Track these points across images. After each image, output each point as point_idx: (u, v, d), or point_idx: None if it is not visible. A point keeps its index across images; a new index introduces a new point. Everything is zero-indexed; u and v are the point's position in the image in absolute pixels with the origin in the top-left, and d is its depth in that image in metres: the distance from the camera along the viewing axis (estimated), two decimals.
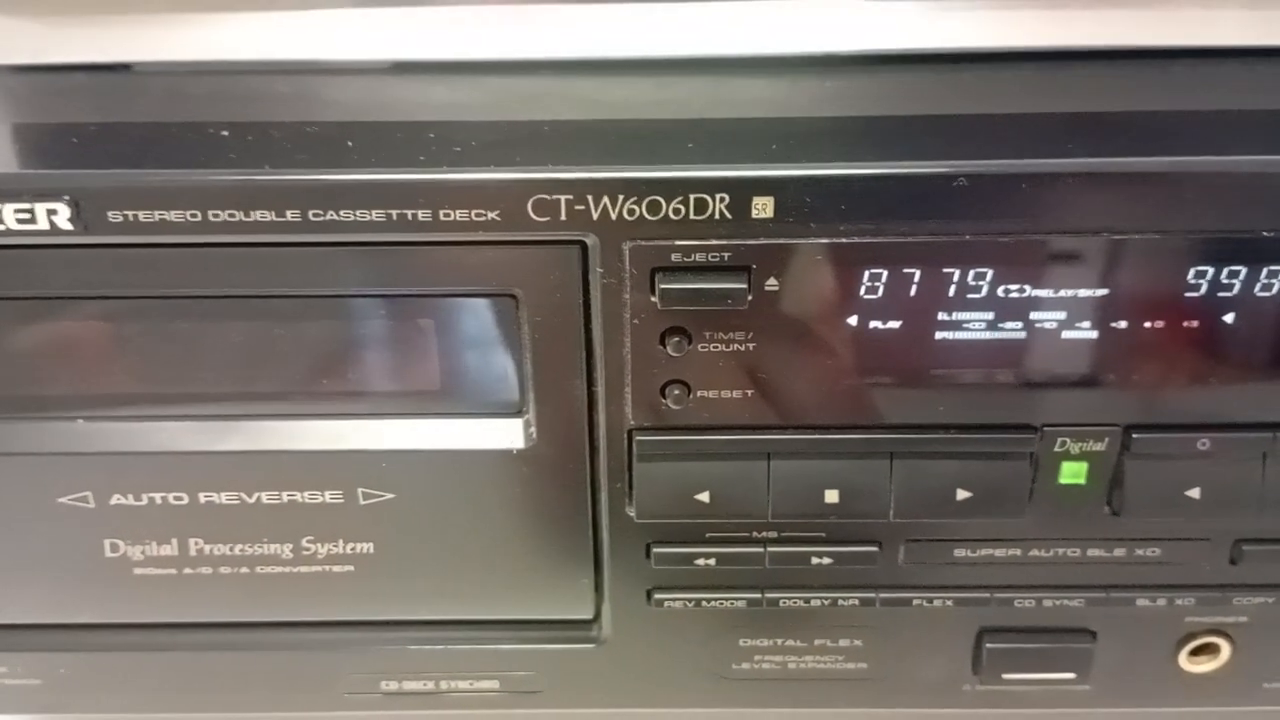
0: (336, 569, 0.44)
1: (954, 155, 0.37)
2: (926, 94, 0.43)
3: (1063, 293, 0.39)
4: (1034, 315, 0.39)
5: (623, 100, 0.42)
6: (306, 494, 0.42)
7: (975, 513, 0.42)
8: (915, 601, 0.45)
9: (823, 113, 0.41)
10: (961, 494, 0.41)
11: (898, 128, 0.40)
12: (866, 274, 0.38)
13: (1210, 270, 0.38)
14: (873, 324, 0.39)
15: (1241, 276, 0.39)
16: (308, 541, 0.43)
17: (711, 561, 0.43)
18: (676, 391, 0.39)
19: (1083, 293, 0.39)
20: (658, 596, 0.45)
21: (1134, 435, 0.40)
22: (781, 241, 0.37)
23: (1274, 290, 0.39)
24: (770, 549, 0.43)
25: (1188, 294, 0.39)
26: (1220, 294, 0.39)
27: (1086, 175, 0.36)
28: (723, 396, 0.40)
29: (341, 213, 0.37)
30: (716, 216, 0.36)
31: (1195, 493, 0.41)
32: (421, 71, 0.45)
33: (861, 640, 0.46)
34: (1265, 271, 0.39)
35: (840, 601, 0.45)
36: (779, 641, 0.46)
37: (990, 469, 0.41)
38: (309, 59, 0.45)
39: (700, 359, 0.39)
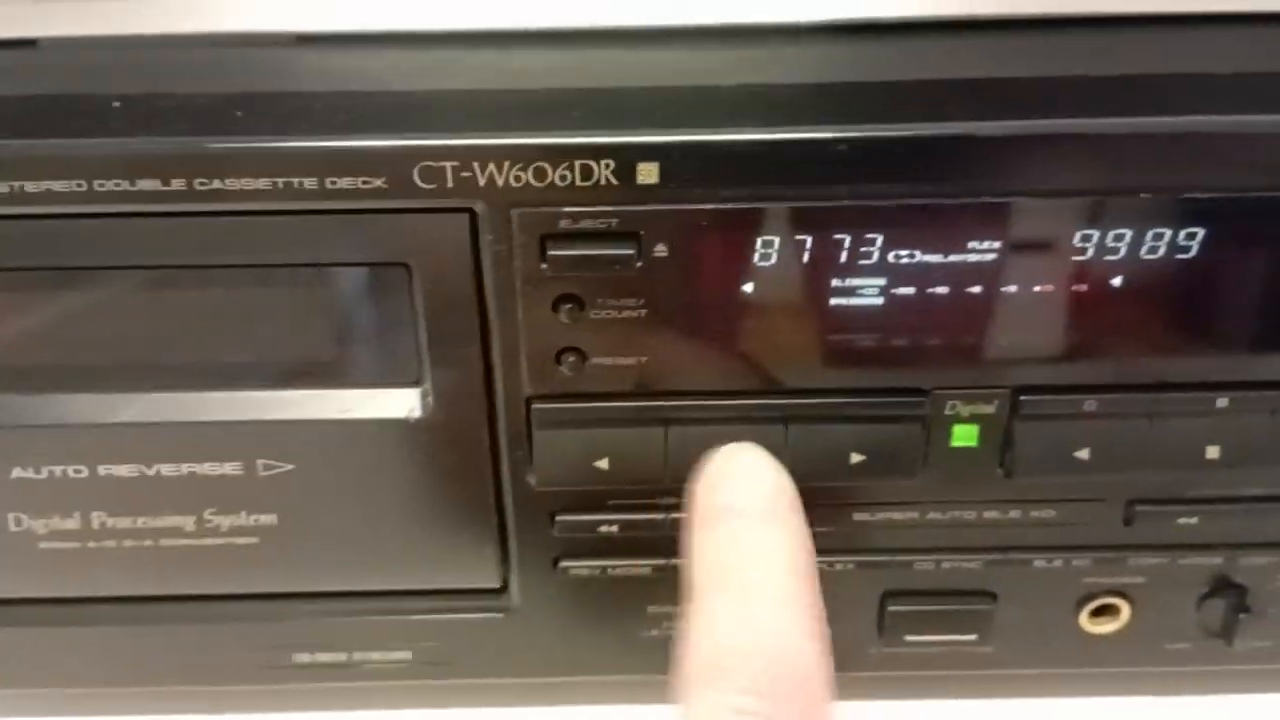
0: (240, 541, 0.44)
1: (843, 120, 0.37)
2: (835, 62, 0.43)
3: (952, 257, 0.39)
4: (923, 280, 0.39)
5: (521, 70, 0.42)
6: (206, 466, 0.42)
7: (869, 476, 0.42)
8: (818, 565, 0.45)
9: (720, 81, 0.41)
10: (855, 458, 0.42)
11: (795, 95, 0.41)
12: (755, 240, 0.38)
13: (1096, 233, 0.39)
14: (763, 290, 0.39)
15: (1127, 239, 0.39)
16: (210, 514, 0.44)
17: (614, 529, 0.44)
18: (572, 359, 0.40)
19: (971, 257, 0.39)
20: (563, 565, 0.45)
21: (1022, 397, 0.41)
22: (668, 207, 0.37)
23: (1160, 253, 0.39)
24: (672, 515, 0.44)
25: (1074, 257, 0.39)
26: (1107, 257, 0.39)
27: (968, 139, 0.37)
28: (618, 363, 0.40)
29: (228, 181, 0.36)
30: (603, 183, 0.37)
31: (1084, 454, 0.42)
32: (324, 44, 0.45)
33: None
34: (1151, 234, 0.39)
35: None
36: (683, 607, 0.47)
37: (883, 432, 0.42)
38: (212, 31, 0.45)
39: (594, 326, 0.39)
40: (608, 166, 0.36)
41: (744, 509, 0.37)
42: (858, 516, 0.44)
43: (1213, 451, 0.42)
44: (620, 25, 0.44)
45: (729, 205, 0.37)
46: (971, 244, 0.39)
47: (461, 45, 0.45)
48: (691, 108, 0.39)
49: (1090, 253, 0.39)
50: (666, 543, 0.44)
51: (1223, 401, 0.41)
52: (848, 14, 0.43)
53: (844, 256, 0.39)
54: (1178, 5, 0.43)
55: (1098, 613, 0.48)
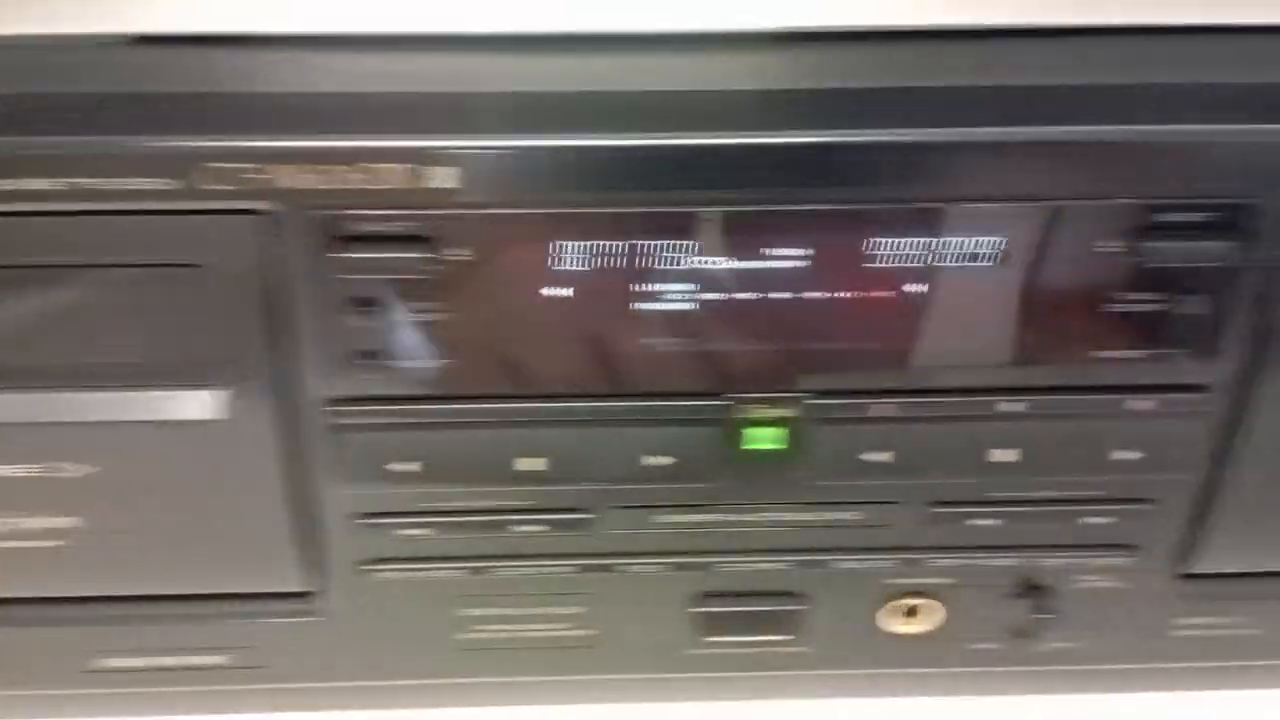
0: (47, 544, 0.44)
1: (641, 128, 0.38)
2: (651, 71, 0.43)
3: (750, 264, 0.40)
4: (720, 285, 0.40)
5: (339, 70, 0.42)
6: (7, 468, 0.42)
7: (673, 478, 0.43)
8: (629, 568, 0.46)
9: (525, 88, 0.41)
10: (660, 460, 0.42)
11: (604, 101, 0.41)
12: (551, 245, 0.39)
13: (886, 241, 0.40)
14: (562, 294, 0.40)
15: (921, 247, 0.40)
16: (13, 516, 0.43)
17: (421, 531, 0.44)
18: (370, 362, 0.40)
19: (770, 263, 0.40)
20: (371, 568, 0.45)
21: (819, 401, 0.42)
22: (463, 212, 0.37)
23: (955, 260, 0.40)
24: (478, 518, 0.44)
25: (866, 264, 0.40)
26: (902, 264, 0.40)
27: (752, 147, 0.37)
28: (417, 367, 0.40)
29: (24, 181, 0.36)
30: (397, 187, 0.37)
31: (881, 456, 0.43)
32: (158, 44, 0.44)
33: (584, 607, 0.47)
34: (944, 243, 0.40)
35: (554, 569, 0.46)
36: (500, 611, 0.47)
37: (685, 435, 0.43)
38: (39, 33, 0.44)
39: (392, 329, 0.39)
40: (403, 170, 0.36)
41: None
42: (664, 519, 0.45)
43: (1001, 455, 0.43)
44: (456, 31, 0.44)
45: (528, 210, 0.37)
46: (768, 251, 0.40)
47: (279, 48, 0.44)
48: (497, 111, 0.39)
49: (884, 259, 0.40)
50: (473, 545, 0.45)
51: (1009, 406, 0.42)
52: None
53: (644, 263, 0.40)
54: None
55: (907, 613, 0.49)
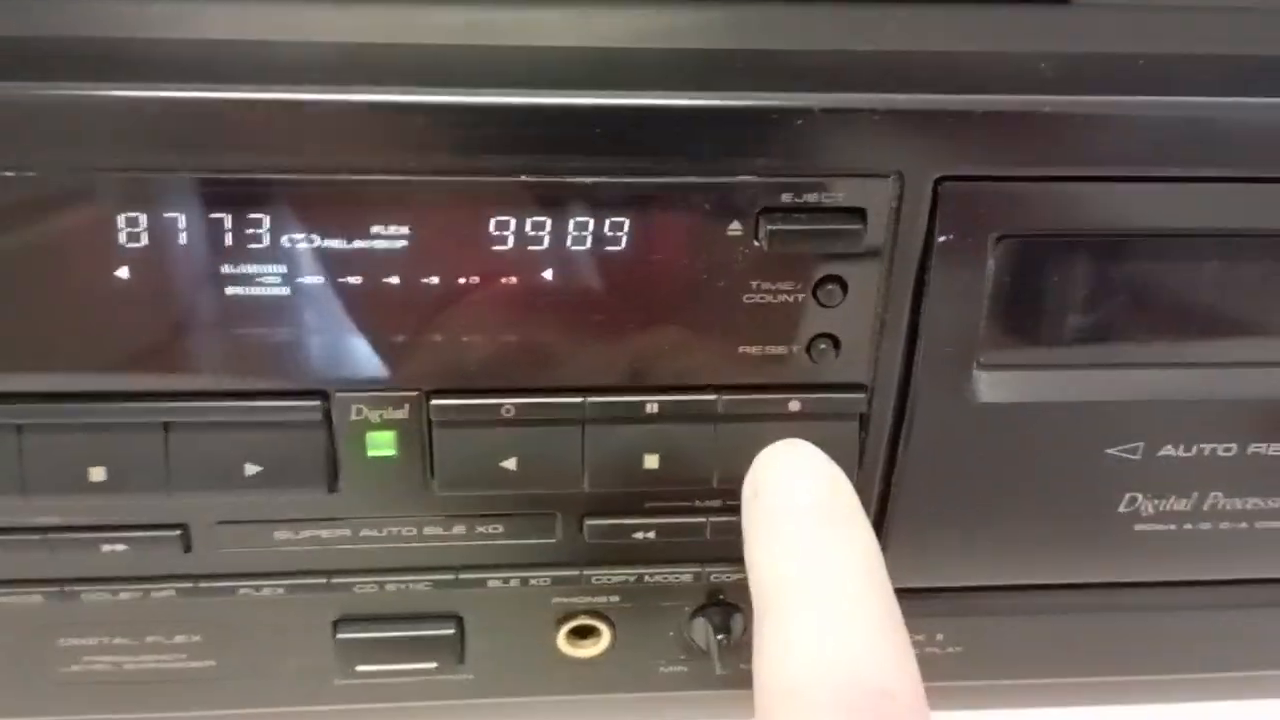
0: None
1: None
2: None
3: (355, 244, 0.35)
4: (319, 267, 0.35)
5: None
6: None
7: (270, 487, 0.37)
8: (242, 590, 0.40)
9: None
10: (251, 468, 0.37)
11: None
12: (89, 215, 0.33)
13: (513, 220, 0.35)
14: (116, 275, 0.34)
15: (548, 228, 0.35)
16: None
17: None
18: None
19: (377, 244, 0.35)
20: None
21: (434, 401, 0.37)
22: None
23: (586, 244, 0.35)
24: (51, 535, 0.38)
25: (494, 246, 0.35)
26: (530, 247, 0.35)
27: (353, 105, 0.32)
28: None
29: None
30: None
31: (511, 463, 0.38)
32: None
33: (200, 635, 0.41)
34: (573, 224, 0.35)
35: (153, 593, 0.40)
36: (105, 640, 0.41)
37: (279, 440, 0.37)
38: None
39: None
40: None
41: (802, 512, 0.32)
42: (280, 535, 0.39)
43: (650, 461, 0.38)
44: None
45: (39, 174, 0.32)
46: (376, 229, 0.35)
47: None
48: None
49: (510, 241, 0.35)
50: (53, 565, 0.39)
51: (652, 406, 0.37)
52: None
53: (226, 238, 0.34)
54: None
55: (577, 634, 0.44)
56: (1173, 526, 0.42)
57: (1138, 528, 0.42)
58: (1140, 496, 0.41)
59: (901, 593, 0.41)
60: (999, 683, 0.47)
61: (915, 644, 0.43)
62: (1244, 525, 0.42)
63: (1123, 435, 0.39)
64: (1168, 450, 0.40)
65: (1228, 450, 0.40)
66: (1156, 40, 0.38)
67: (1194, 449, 0.40)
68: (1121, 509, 0.41)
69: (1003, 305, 0.36)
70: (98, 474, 0.36)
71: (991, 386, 0.38)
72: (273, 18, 0.36)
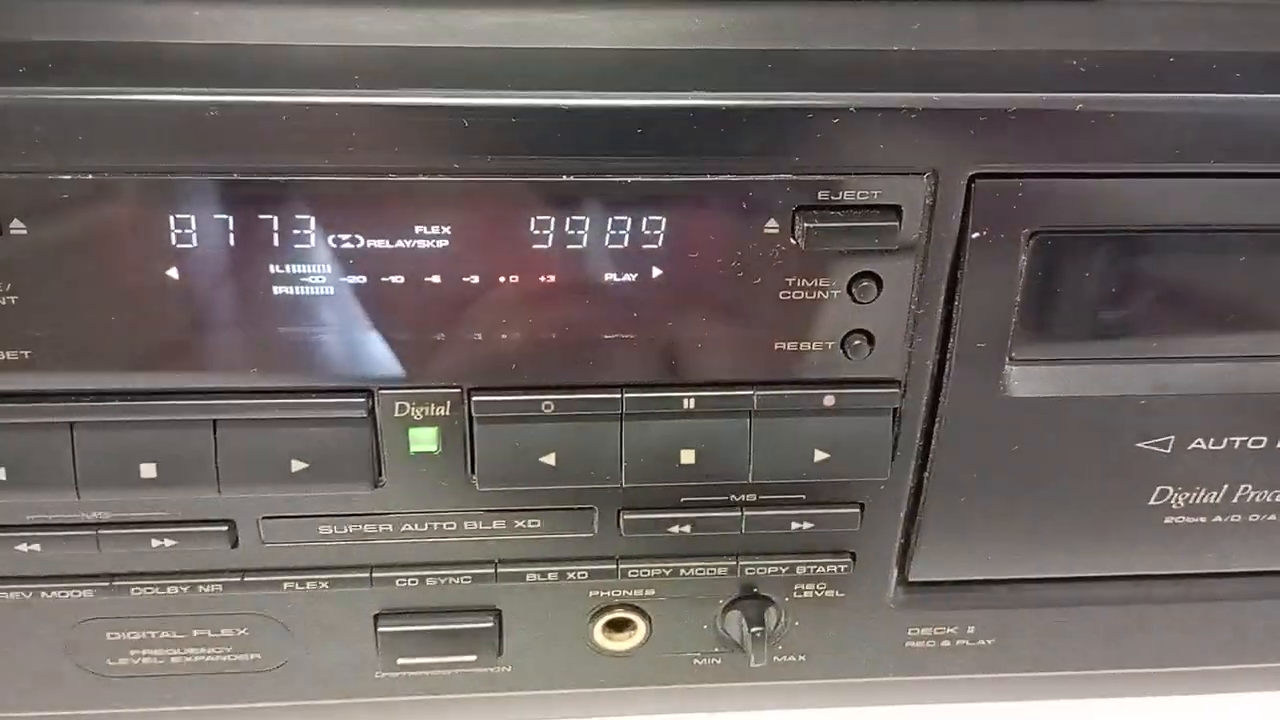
0: None
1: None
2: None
3: (399, 243, 0.35)
4: (364, 267, 0.35)
5: None
6: None
7: (315, 483, 0.38)
8: (286, 584, 0.41)
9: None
10: (297, 464, 0.38)
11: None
12: (141, 217, 0.34)
13: (553, 219, 0.36)
14: (168, 274, 0.35)
15: (588, 226, 0.36)
16: None
17: (36, 547, 0.39)
18: None
19: (420, 243, 0.35)
20: None
21: (475, 397, 0.37)
22: (18, 177, 0.32)
23: (625, 242, 0.36)
24: (102, 532, 0.39)
25: (534, 245, 0.36)
26: (570, 245, 0.36)
27: (398, 108, 0.33)
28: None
29: None
30: None
31: (550, 458, 0.38)
32: None
33: (245, 628, 0.42)
34: (612, 222, 0.36)
35: (200, 587, 0.40)
36: (153, 634, 0.42)
37: (325, 436, 0.38)
38: None
39: None
40: None
41: None
42: (324, 530, 0.40)
43: (687, 455, 0.39)
44: None
45: (83, 177, 0.32)
46: (419, 229, 0.35)
47: None
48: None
49: (548, 241, 0.36)
50: (102, 561, 0.40)
51: (689, 401, 0.38)
52: None
53: (272, 239, 0.35)
54: None
55: (613, 627, 0.44)
56: (1203, 519, 0.42)
57: (1168, 520, 0.42)
58: (1171, 489, 0.41)
59: (933, 585, 0.42)
60: (1029, 675, 0.47)
61: (947, 636, 0.44)
62: (1274, 517, 0.42)
63: (1153, 429, 0.40)
64: (1198, 443, 0.40)
65: (1258, 443, 0.40)
66: (1184, 36, 0.38)
67: (1224, 442, 0.40)
68: (1152, 502, 0.41)
69: (1035, 300, 0.37)
70: (149, 470, 0.37)
71: (1024, 381, 0.38)
72: (315, 22, 0.36)
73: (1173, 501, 0.41)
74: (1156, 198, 0.36)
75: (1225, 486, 0.41)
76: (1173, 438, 0.40)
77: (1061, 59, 0.36)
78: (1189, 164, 0.35)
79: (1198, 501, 0.42)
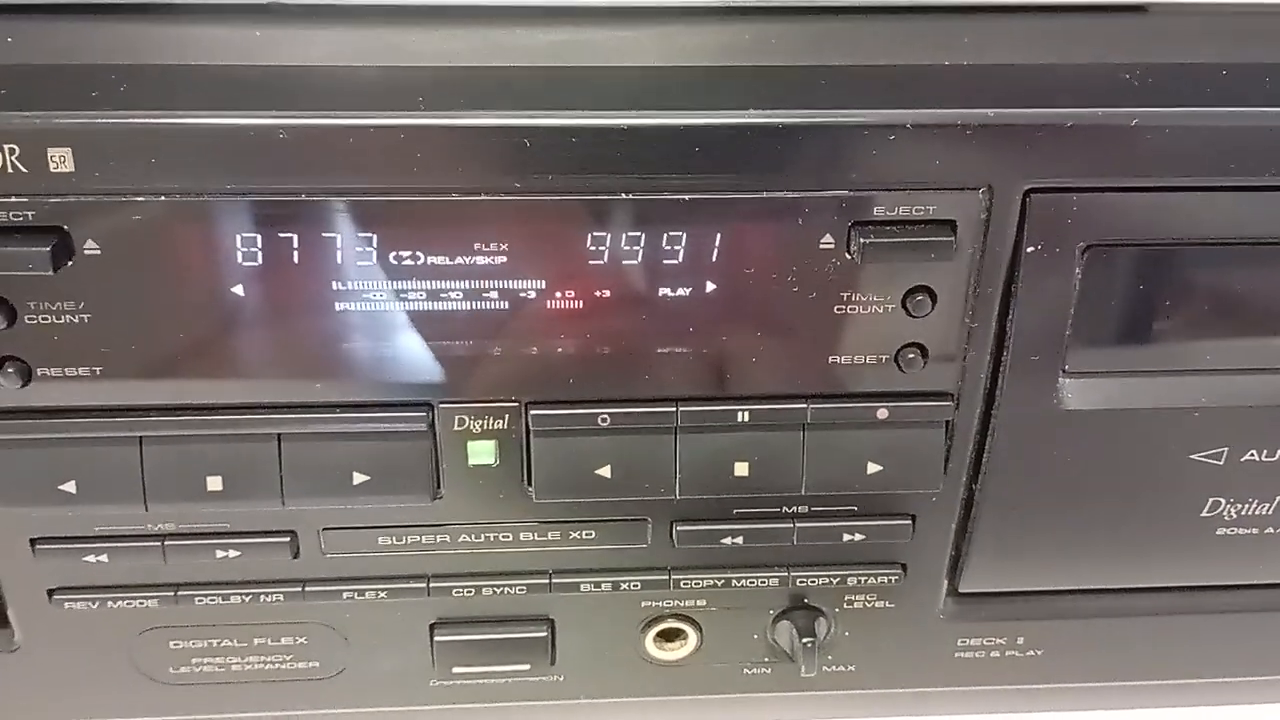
0: None
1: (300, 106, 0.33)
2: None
3: (458, 260, 0.36)
4: (424, 284, 0.36)
5: None
6: None
7: (376, 495, 0.39)
8: (345, 594, 0.42)
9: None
10: (359, 476, 0.38)
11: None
12: (209, 235, 0.34)
13: (609, 236, 0.36)
14: (233, 291, 0.35)
15: (643, 242, 0.36)
16: None
17: (104, 558, 0.39)
18: (11, 370, 0.35)
19: (479, 260, 0.36)
20: (58, 598, 0.40)
21: (533, 411, 0.38)
22: (93, 199, 0.33)
23: (680, 258, 0.37)
24: (168, 543, 0.39)
25: (591, 261, 0.36)
26: (626, 261, 0.36)
27: (460, 129, 0.34)
28: (69, 375, 0.36)
29: None
30: (10, 170, 0.32)
31: (606, 471, 0.39)
32: None
33: (305, 637, 0.43)
34: (667, 238, 0.36)
35: (262, 597, 0.41)
36: (214, 643, 0.43)
37: (386, 449, 0.38)
38: None
39: (33, 333, 0.35)
40: (12, 152, 0.32)
41: None
42: (383, 540, 0.41)
43: (741, 468, 0.39)
44: None
45: (163, 198, 0.33)
46: (478, 246, 0.36)
47: None
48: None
49: (604, 258, 0.36)
50: (165, 571, 0.40)
51: (743, 414, 0.38)
52: None
53: (338, 256, 0.36)
54: None
55: (664, 637, 0.45)
56: (1255, 530, 0.42)
57: (1220, 532, 0.42)
58: (1223, 501, 0.41)
59: (983, 596, 0.42)
60: (1078, 685, 0.47)
61: (996, 647, 0.44)
62: None
63: (1206, 440, 0.40)
64: (1251, 455, 0.40)
65: None
66: (1235, 46, 0.38)
67: (1277, 454, 0.40)
68: (1204, 514, 0.41)
69: (1089, 313, 0.37)
70: (215, 483, 0.38)
71: (1078, 393, 0.39)
72: (374, 40, 0.37)
73: (1225, 513, 0.41)
74: (1209, 211, 0.36)
75: (1278, 498, 0.41)
76: (1226, 449, 0.40)
77: (1113, 71, 0.36)
78: (1242, 177, 0.36)
79: (1250, 513, 0.42)
